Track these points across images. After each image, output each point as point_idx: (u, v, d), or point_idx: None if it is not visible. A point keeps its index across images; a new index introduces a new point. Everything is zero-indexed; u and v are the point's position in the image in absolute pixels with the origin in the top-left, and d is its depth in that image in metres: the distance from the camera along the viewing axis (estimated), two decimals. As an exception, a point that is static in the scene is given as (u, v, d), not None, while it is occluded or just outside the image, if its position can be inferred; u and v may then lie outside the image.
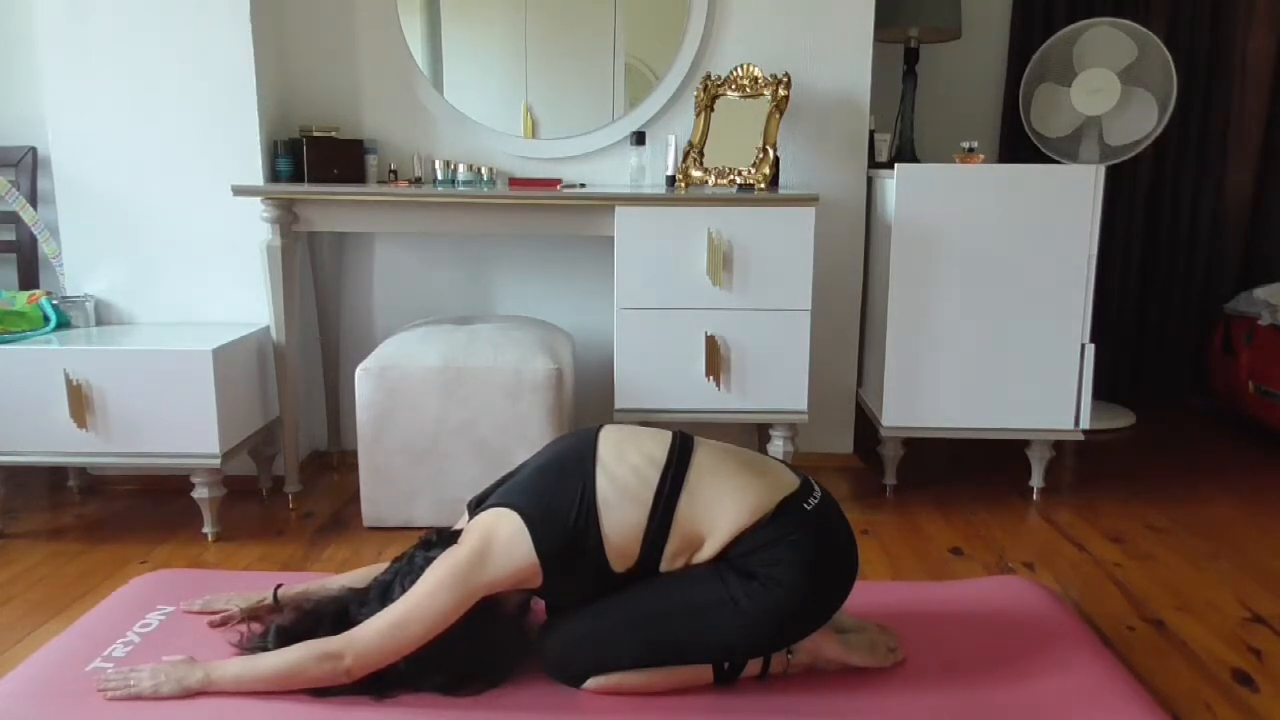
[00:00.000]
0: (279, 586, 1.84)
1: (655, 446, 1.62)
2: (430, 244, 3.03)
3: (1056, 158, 3.21)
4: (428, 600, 1.51)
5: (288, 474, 2.69)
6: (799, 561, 1.53)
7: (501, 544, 1.54)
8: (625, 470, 1.57)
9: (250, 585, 1.96)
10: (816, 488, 1.64)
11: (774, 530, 1.55)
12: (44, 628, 1.94)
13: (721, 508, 1.56)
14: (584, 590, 1.60)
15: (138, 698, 1.54)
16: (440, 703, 1.56)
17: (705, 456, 1.61)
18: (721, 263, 2.46)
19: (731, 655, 1.59)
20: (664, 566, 1.58)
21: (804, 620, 1.58)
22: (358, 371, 2.41)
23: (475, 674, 1.60)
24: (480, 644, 1.59)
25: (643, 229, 2.47)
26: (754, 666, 1.63)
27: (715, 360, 2.50)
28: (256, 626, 1.70)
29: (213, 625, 1.80)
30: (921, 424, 2.70)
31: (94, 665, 1.66)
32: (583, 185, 2.85)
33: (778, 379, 2.52)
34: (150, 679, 1.56)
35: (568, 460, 1.61)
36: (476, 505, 1.67)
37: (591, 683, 1.59)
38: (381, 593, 1.59)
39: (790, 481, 1.62)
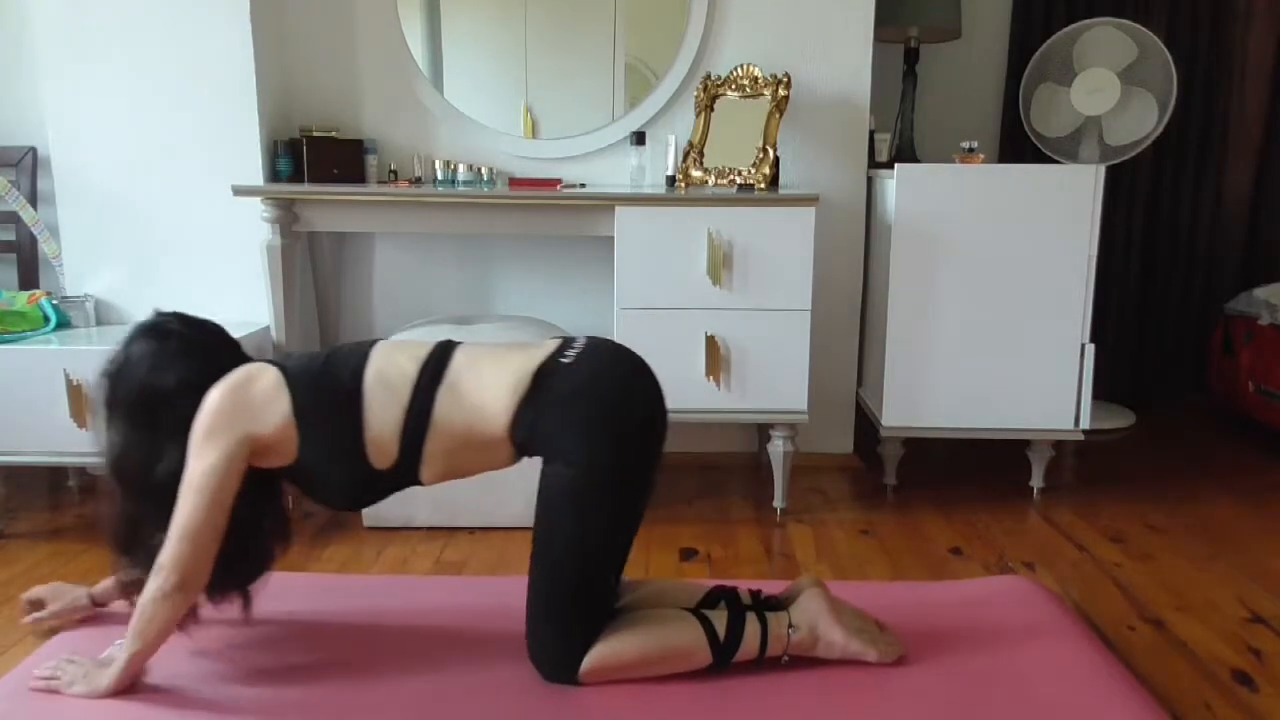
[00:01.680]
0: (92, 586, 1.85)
1: (420, 348, 1.62)
2: (430, 244, 3.03)
3: (1056, 158, 3.21)
4: (197, 465, 1.49)
5: (288, 474, 2.69)
6: (571, 424, 1.52)
7: (259, 393, 1.53)
8: (390, 367, 1.58)
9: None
10: (578, 340, 1.63)
11: (537, 402, 1.53)
12: (36, 630, 1.93)
13: (483, 402, 1.55)
14: (337, 480, 1.58)
15: (55, 691, 1.55)
16: (441, 703, 1.56)
17: (465, 354, 1.61)
18: (721, 263, 2.46)
19: (606, 537, 1.56)
20: (425, 466, 1.57)
21: (630, 467, 1.55)
22: (358, 371, 2.41)
23: (242, 567, 1.62)
24: (240, 535, 1.56)
25: (643, 229, 2.47)
26: (751, 646, 1.62)
27: (715, 360, 2.50)
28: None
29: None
30: (921, 424, 2.70)
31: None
32: (583, 185, 2.85)
33: (778, 379, 2.52)
34: (70, 675, 1.56)
35: (340, 350, 1.63)
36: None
37: (586, 668, 1.57)
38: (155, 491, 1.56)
39: (547, 348, 1.61)
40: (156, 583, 1.50)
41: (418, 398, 1.55)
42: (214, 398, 1.52)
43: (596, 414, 1.53)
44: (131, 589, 1.62)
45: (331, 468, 1.58)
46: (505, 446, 1.57)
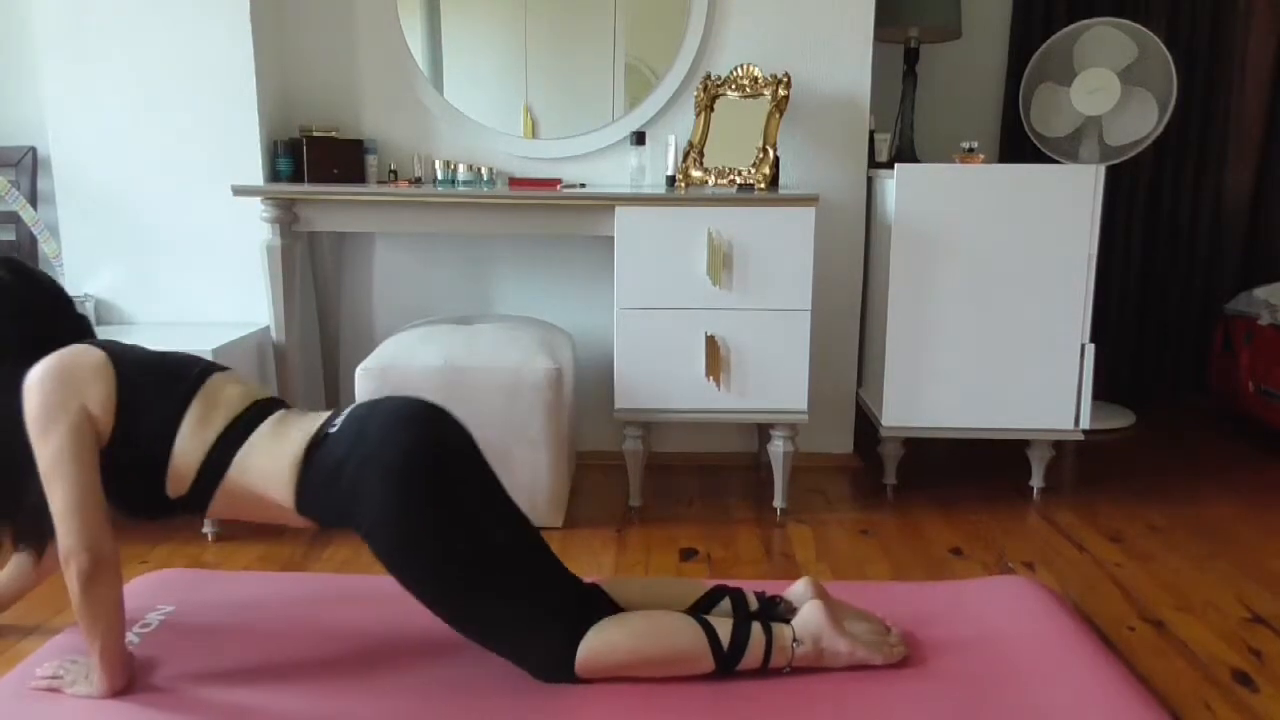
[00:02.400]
0: None
1: (239, 399, 1.61)
2: (430, 244, 3.03)
3: (1056, 158, 3.21)
4: (47, 450, 1.47)
5: (288, 474, 2.68)
6: (351, 493, 1.50)
7: (85, 369, 1.51)
8: (209, 407, 1.57)
9: (250, 585, 1.96)
10: (348, 407, 1.63)
11: (316, 475, 1.53)
12: (44, 627, 1.93)
13: (267, 475, 1.54)
14: (131, 494, 1.56)
15: (57, 690, 1.55)
16: (441, 703, 1.56)
17: (272, 424, 1.59)
18: (721, 263, 2.46)
19: (465, 557, 1.53)
20: (213, 507, 1.57)
21: (430, 500, 1.51)
22: (358, 371, 2.41)
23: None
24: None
25: (643, 229, 2.47)
26: (755, 657, 1.61)
27: (715, 360, 2.50)
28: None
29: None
30: (921, 424, 2.70)
31: None
32: (583, 185, 2.85)
33: (778, 379, 2.52)
34: (72, 675, 1.56)
35: (176, 366, 1.61)
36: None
37: (580, 666, 1.56)
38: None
39: (316, 420, 1.61)
40: (73, 572, 1.46)
41: (217, 450, 1.55)
42: (39, 377, 1.49)
43: (370, 472, 1.51)
44: (21, 541, 1.66)
45: (133, 467, 1.55)
46: (298, 518, 1.57)
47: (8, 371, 1.53)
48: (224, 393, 1.61)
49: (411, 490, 1.50)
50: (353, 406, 1.64)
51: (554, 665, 1.58)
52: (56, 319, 1.65)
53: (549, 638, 1.57)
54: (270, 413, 1.62)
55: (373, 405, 1.62)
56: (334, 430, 1.57)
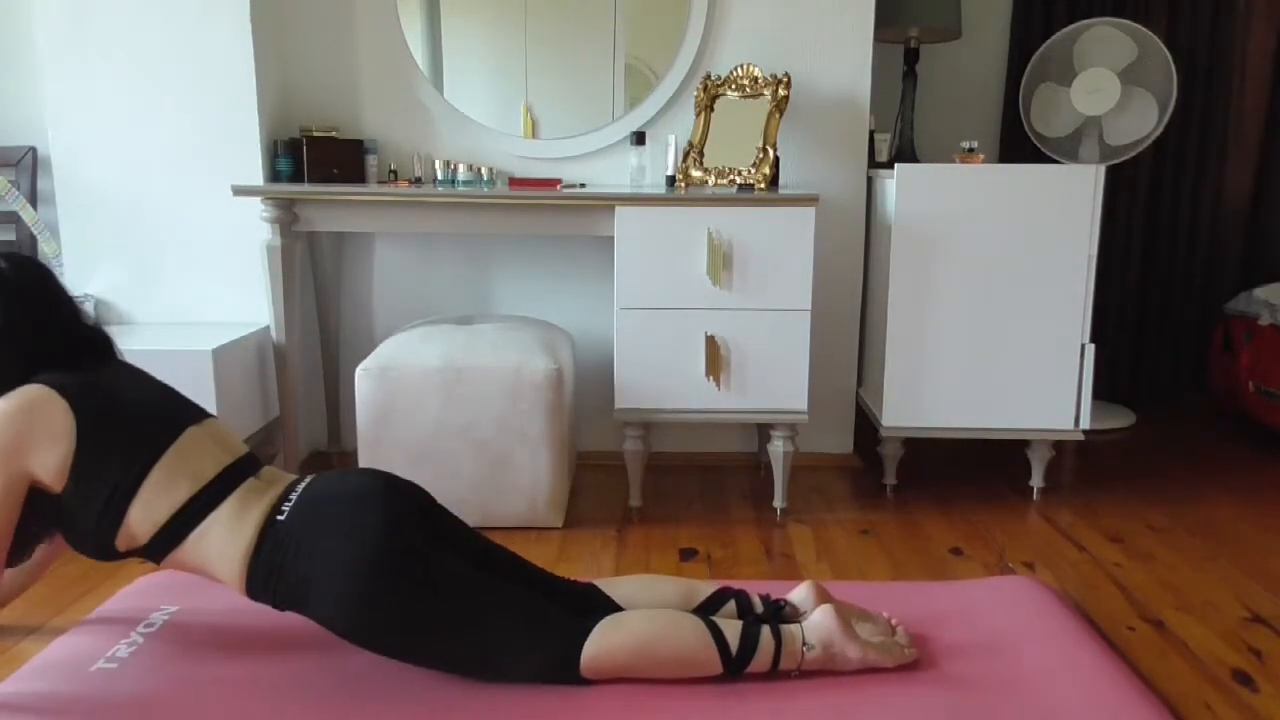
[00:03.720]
0: None
1: (210, 466, 1.57)
2: (430, 244, 3.03)
3: (1056, 158, 3.21)
4: None
5: (288, 474, 2.69)
6: (306, 588, 1.51)
7: (43, 430, 1.48)
8: (178, 473, 1.54)
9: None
10: (299, 487, 1.60)
11: (264, 569, 1.53)
12: (45, 628, 1.93)
13: (223, 560, 1.54)
14: (88, 537, 1.54)
15: None
16: (442, 702, 1.56)
17: (236, 499, 1.56)
18: (721, 263, 2.46)
19: (430, 628, 1.54)
20: (165, 564, 1.57)
21: (385, 574, 1.50)
22: (358, 371, 2.41)
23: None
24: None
25: (643, 229, 2.47)
26: (764, 661, 1.61)
27: (715, 360, 2.50)
28: None
29: None
30: (921, 424, 2.71)
31: (98, 666, 1.66)
32: (583, 185, 2.85)
33: (778, 379, 2.52)
34: None
35: (152, 421, 1.57)
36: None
37: (586, 665, 1.57)
38: None
39: (271, 498, 1.58)
40: None
41: (178, 520, 1.53)
42: (2, 415, 1.48)
43: (315, 591, 1.51)
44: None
45: (83, 526, 1.54)
46: (250, 599, 1.57)
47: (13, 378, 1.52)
48: (193, 460, 1.56)
49: (363, 592, 1.50)
50: (304, 486, 1.60)
51: (559, 670, 1.58)
52: (65, 332, 1.63)
53: (549, 654, 1.57)
54: (240, 480, 1.59)
55: (318, 495, 1.58)
56: (282, 519, 1.55)
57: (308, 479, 1.64)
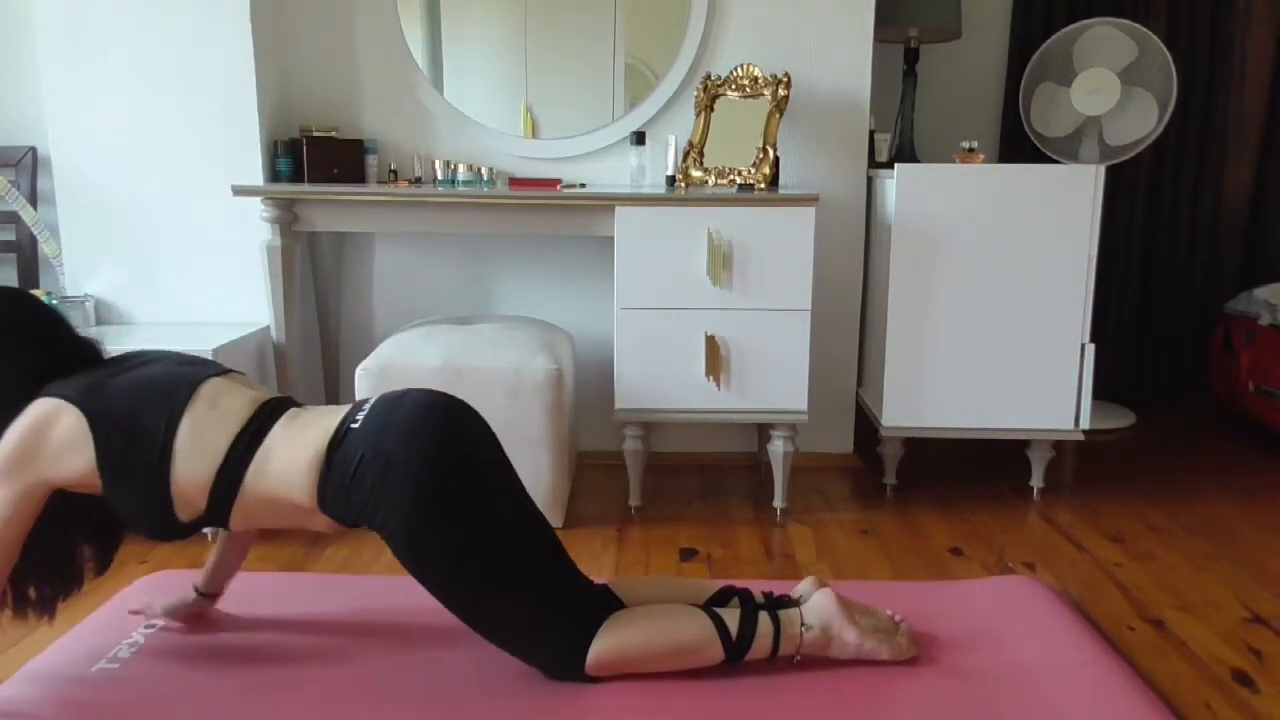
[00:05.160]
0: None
1: (244, 405, 1.56)
2: (430, 244, 3.03)
3: (1056, 158, 3.21)
4: None
5: (288, 474, 2.68)
6: (380, 487, 1.48)
7: (57, 440, 1.47)
8: (209, 422, 1.52)
9: (250, 585, 1.96)
10: (369, 400, 1.61)
11: (337, 473, 1.50)
12: (45, 628, 1.93)
13: (283, 478, 1.51)
14: (144, 520, 1.54)
15: None
16: (442, 702, 1.56)
17: (286, 424, 1.56)
18: (721, 263, 2.46)
19: (487, 557, 1.52)
20: (234, 520, 1.55)
21: (455, 498, 1.50)
22: (358, 371, 2.41)
23: (54, 572, 1.58)
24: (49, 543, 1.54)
25: (643, 229, 2.47)
26: (764, 645, 1.61)
27: (715, 360, 2.50)
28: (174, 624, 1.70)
29: (131, 612, 1.81)
30: (921, 424, 2.70)
31: (99, 666, 1.66)
32: (583, 185, 2.85)
33: (778, 379, 2.52)
34: None
35: (165, 387, 1.55)
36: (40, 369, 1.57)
37: (592, 664, 1.57)
38: None
39: (337, 416, 1.58)
40: None
41: (229, 464, 1.51)
42: (10, 439, 1.47)
43: (393, 473, 1.49)
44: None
45: (136, 510, 1.54)
46: (319, 518, 1.55)
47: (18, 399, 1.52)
48: (221, 407, 1.55)
49: (434, 494, 1.49)
50: (374, 401, 1.60)
51: (564, 664, 1.58)
52: (60, 347, 1.62)
53: (560, 638, 1.57)
54: (279, 414, 1.58)
55: (395, 401, 1.59)
56: (356, 426, 1.54)
57: (376, 396, 1.63)
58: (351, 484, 1.50)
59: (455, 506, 1.50)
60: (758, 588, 1.78)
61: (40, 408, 1.50)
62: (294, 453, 1.52)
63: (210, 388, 1.57)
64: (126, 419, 1.50)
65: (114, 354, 1.68)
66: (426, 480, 1.49)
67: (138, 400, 1.52)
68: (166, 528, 1.54)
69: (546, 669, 1.60)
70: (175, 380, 1.56)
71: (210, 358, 1.75)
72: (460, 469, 1.52)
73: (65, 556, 1.59)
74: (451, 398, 1.62)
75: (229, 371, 1.65)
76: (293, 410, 1.61)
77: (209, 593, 1.82)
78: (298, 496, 1.52)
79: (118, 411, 1.50)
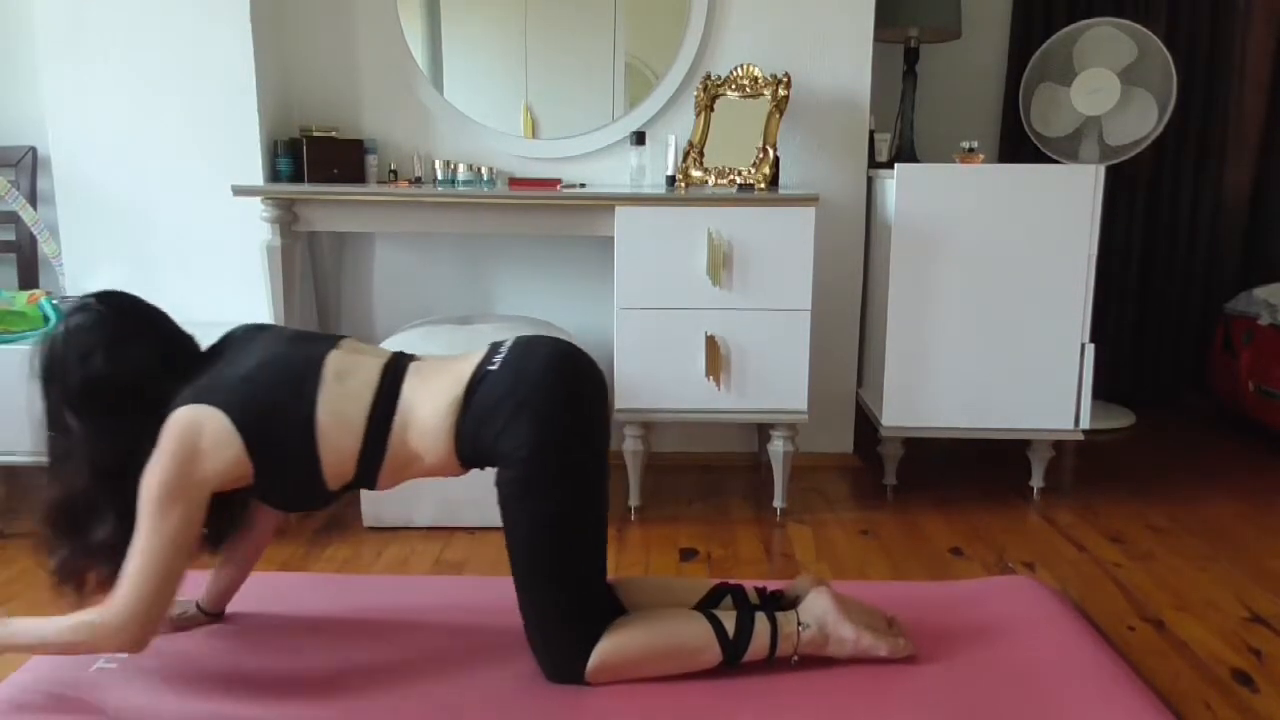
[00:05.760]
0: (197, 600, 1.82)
1: (372, 368, 1.59)
2: (430, 244, 3.03)
3: (1056, 158, 3.21)
4: (155, 529, 1.45)
5: (288, 474, 2.68)
6: (510, 423, 1.52)
7: (209, 443, 1.48)
8: (343, 393, 1.54)
9: (250, 584, 1.96)
10: (506, 343, 1.63)
11: (473, 415, 1.54)
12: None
13: (424, 424, 1.55)
14: (296, 498, 1.60)
15: None
16: (442, 703, 1.56)
17: (414, 376, 1.60)
18: (721, 263, 2.46)
19: (572, 534, 1.56)
20: (379, 481, 1.58)
21: (574, 455, 1.55)
22: (358, 371, 2.40)
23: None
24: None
25: (643, 229, 2.47)
26: (761, 645, 1.62)
27: (715, 360, 2.50)
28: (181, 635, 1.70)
29: None
30: (921, 424, 2.70)
31: (98, 666, 1.66)
32: (583, 185, 2.85)
33: (778, 379, 2.52)
34: None
35: (293, 365, 1.57)
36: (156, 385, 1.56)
37: (594, 668, 1.57)
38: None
39: (474, 358, 1.62)
40: (109, 634, 1.45)
41: (372, 432, 1.55)
42: (163, 461, 1.46)
43: (528, 414, 1.52)
44: (64, 575, 1.55)
45: (288, 490, 1.58)
46: (453, 461, 1.58)
47: (128, 387, 1.52)
48: (350, 377, 1.57)
49: (561, 442, 1.53)
50: (511, 344, 1.63)
51: (568, 668, 1.58)
52: (156, 329, 1.63)
53: (570, 636, 1.58)
54: (404, 370, 1.61)
55: (530, 345, 1.62)
56: (494, 368, 1.57)
57: (510, 339, 1.66)
58: (485, 421, 1.53)
59: (571, 456, 1.54)
60: (754, 585, 1.79)
61: (180, 421, 1.49)
62: (432, 402, 1.56)
63: (333, 363, 1.58)
64: (265, 408, 1.51)
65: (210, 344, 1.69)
66: (556, 423, 1.53)
67: (268, 387, 1.53)
68: (316, 500, 1.59)
69: (550, 668, 1.60)
70: (297, 362, 1.58)
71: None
72: (583, 427, 1.57)
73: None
74: (583, 355, 1.65)
75: (339, 339, 1.66)
76: (414, 364, 1.63)
77: (211, 612, 1.83)
78: (437, 442, 1.55)
79: (254, 402, 1.51)
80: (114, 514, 1.50)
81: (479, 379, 1.57)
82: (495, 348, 1.63)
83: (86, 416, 1.53)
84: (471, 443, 1.55)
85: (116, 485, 1.49)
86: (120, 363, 1.54)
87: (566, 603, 1.57)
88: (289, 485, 1.56)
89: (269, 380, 1.54)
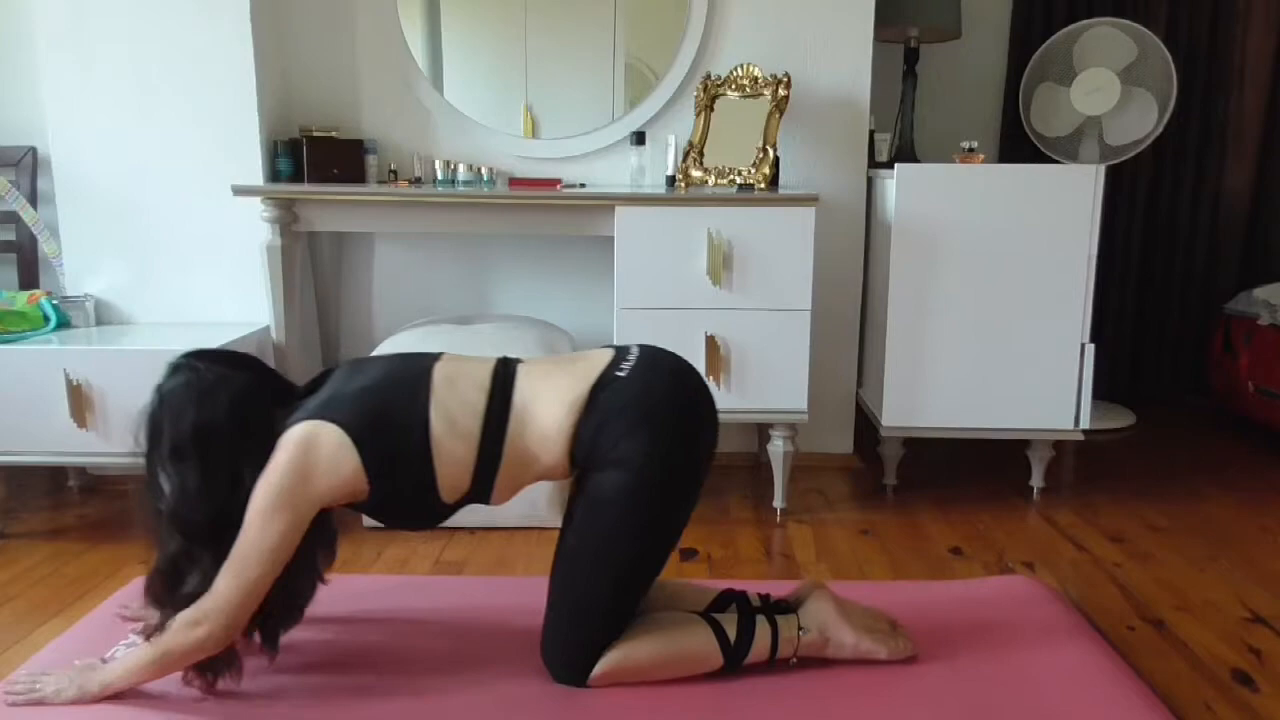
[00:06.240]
0: None
1: (481, 373, 1.59)
2: (430, 244, 3.03)
3: (1056, 158, 3.21)
4: (259, 536, 1.45)
5: (288, 474, 2.68)
6: (630, 430, 1.52)
7: (326, 457, 1.48)
8: (456, 401, 1.54)
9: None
10: (632, 350, 1.63)
11: (595, 417, 1.53)
12: (44, 628, 1.94)
13: (547, 426, 1.54)
14: (411, 514, 1.59)
15: (40, 703, 1.51)
16: (442, 703, 1.56)
17: (527, 377, 1.59)
18: (721, 263, 2.46)
19: (647, 549, 1.57)
20: (495, 494, 1.57)
21: (676, 477, 1.56)
22: (358, 371, 2.40)
23: (293, 589, 1.59)
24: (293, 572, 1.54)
25: (643, 229, 2.47)
26: (762, 649, 1.63)
27: (715, 360, 2.50)
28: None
29: (135, 633, 1.74)
30: (921, 424, 2.70)
31: (114, 652, 1.66)
32: (583, 185, 2.85)
33: (778, 379, 2.52)
34: (54, 684, 1.53)
35: (402, 380, 1.56)
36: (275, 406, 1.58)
37: (597, 673, 1.57)
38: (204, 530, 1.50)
39: (600, 361, 1.61)
40: (197, 639, 1.47)
41: (487, 438, 1.54)
42: (277, 471, 1.47)
43: (653, 424, 1.53)
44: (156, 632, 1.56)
45: (403, 507, 1.58)
46: (564, 463, 1.57)
47: (237, 437, 1.52)
48: (460, 384, 1.56)
49: (674, 463, 1.54)
50: (639, 354, 1.62)
51: (578, 668, 1.59)
52: (259, 378, 1.62)
53: (593, 644, 1.58)
54: (513, 373, 1.60)
55: (656, 357, 1.62)
56: (622, 374, 1.57)
57: (636, 345, 1.66)
58: (606, 426, 1.53)
59: (680, 474, 1.55)
60: (756, 589, 1.79)
61: (295, 436, 1.49)
62: (552, 401, 1.55)
63: (441, 371, 1.58)
64: (379, 419, 1.51)
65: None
66: (676, 439, 1.54)
67: (382, 400, 1.53)
68: (433, 515, 1.58)
69: (559, 669, 1.61)
70: (406, 375, 1.58)
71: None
72: (700, 454, 1.59)
73: (306, 570, 1.61)
74: (701, 376, 1.65)
75: (440, 354, 1.65)
76: (523, 365, 1.63)
77: None
78: (555, 442, 1.54)
79: (368, 413, 1.51)
80: (209, 571, 1.49)
81: (605, 382, 1.56)
82: (621, 354, 1.62)
83: (181, 472, 1.50)
84: (589, 445, 1.54)
85: (214, 548, 1.48)
86: (213, 409, 1.52)
87: (610, 609, 1.58)
88: (404, 499, 1.55)
89: (381, 394, 1.54)
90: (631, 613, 1.61)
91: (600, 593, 1.56)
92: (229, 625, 1.47)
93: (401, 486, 1.53)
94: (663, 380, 1.58)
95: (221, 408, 1.51)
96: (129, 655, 1.54)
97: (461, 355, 1.65)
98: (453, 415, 1.53)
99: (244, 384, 1.56)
